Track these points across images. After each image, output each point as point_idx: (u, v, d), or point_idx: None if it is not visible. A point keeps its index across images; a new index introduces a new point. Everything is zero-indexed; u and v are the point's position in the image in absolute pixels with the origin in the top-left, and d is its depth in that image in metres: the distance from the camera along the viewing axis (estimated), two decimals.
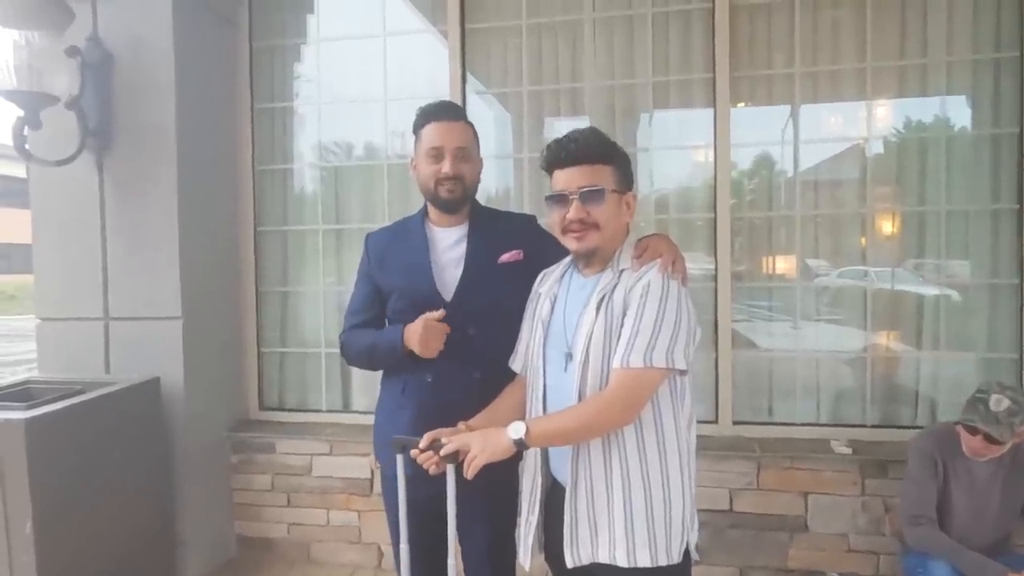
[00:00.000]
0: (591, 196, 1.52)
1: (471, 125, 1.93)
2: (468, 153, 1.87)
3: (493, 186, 3.38)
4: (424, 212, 1.96)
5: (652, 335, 1.44)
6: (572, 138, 1.55)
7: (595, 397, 1.49)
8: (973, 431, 2.25)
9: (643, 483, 1.50)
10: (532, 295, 1.78)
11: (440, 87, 3.23)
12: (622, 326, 1.48)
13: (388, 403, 1.94)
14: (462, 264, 1.86)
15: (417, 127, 1.90)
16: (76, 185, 2.96)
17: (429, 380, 1.84)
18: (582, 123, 3.20)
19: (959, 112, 2.99)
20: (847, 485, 2.84)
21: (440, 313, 1.79)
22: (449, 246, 1.89)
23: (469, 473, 1.48)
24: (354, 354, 1.97)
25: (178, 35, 2.93)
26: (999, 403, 2.21)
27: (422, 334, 1.77)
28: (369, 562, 3.23)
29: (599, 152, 1.55)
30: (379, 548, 3.22)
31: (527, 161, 3.27)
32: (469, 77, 3.27)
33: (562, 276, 1.70)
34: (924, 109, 3.03)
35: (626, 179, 1.59)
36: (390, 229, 2.03)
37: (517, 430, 1.47)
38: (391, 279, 1.91)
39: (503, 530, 1.92)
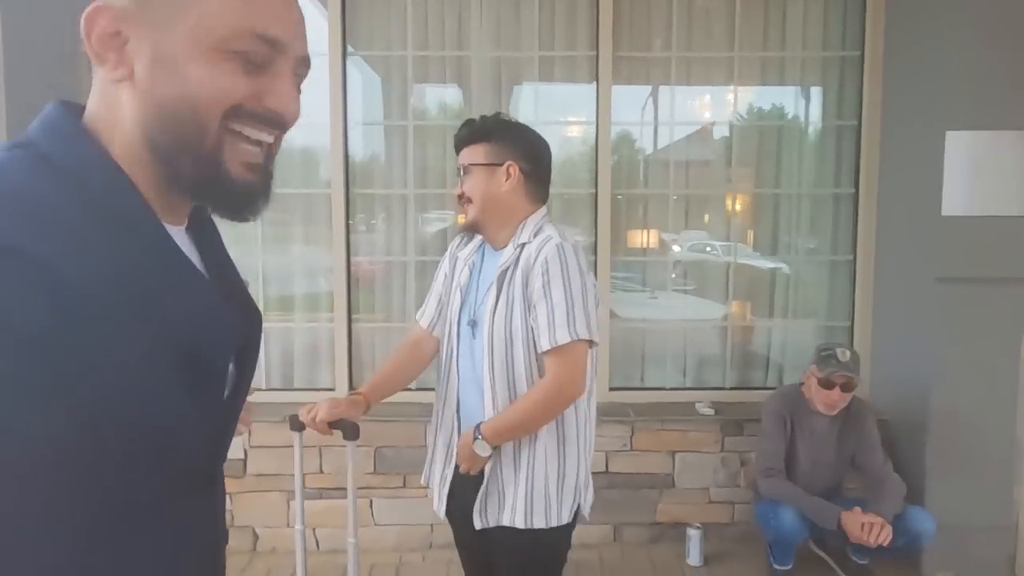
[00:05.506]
0: (464, 173, 1.64)
1: None
2: None
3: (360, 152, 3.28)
4: None
5: (568, 309, 1.50)
6: (462, 125, 1.68)
7: (539, 384, 1.54)
8: (830, 385, 2.54)
9: (544, 454, 1.59)
10: (448, 255, 1.80)
11: (318, 50, 3.04)
12: (531, 303, 1.54)
13: None
14: None
15: None
16: None
17: None
18: (464, 93, 3.19)
19: (811, 103, 3.28)
20: (710, 443, 3.09)
21: None
22: None
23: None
24: None
25: None
26: (844, 354, 2.57)
27: None
28: (244, 546, 3.08)
29: (476, 134, 1.64)
30: (254, 531, 3.08)
31: (411, 128, 3.19)
32: (350, 44, 3.11)
33: (479, 246, 1.73)
34: (780, 97, 3.30)
35: (504, 151, 1.61)
36: None
37: (484, 448, 1.55)
38: None
39: None
